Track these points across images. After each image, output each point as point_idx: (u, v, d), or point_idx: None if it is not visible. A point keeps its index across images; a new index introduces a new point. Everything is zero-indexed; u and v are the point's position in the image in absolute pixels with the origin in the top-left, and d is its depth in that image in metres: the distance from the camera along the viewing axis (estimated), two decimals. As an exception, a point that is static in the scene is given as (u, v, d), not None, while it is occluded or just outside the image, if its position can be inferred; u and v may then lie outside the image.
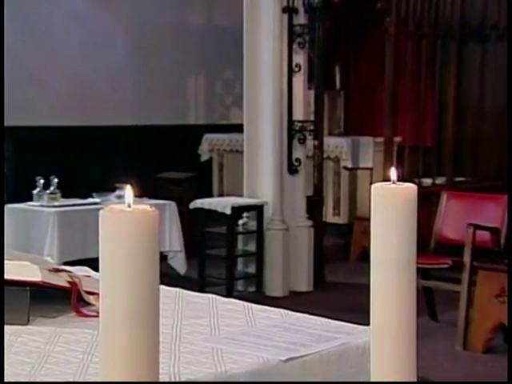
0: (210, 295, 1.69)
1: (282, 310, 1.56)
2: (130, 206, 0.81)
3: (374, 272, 0.93)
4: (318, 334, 1.39)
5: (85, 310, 1.51)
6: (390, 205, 0.92)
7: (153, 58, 7.38)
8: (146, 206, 0.81)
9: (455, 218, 4.53)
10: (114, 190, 5.10)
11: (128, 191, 0.83)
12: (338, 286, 5.59)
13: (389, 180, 0.94)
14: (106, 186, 5.21)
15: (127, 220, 0.79)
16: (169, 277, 4.24)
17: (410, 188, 0.93)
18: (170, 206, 5.34)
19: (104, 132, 6.99)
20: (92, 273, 1.79)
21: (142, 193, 4.66)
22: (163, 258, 5.22)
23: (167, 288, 1.71)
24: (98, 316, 0.83)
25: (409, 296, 0.93)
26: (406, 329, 0.93)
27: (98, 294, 1.41)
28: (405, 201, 0.93)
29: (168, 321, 1.47)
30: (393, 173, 0.94)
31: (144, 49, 7.31)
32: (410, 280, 0.93)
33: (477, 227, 4.16)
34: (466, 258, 4.13)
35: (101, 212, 0.80)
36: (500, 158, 6.28)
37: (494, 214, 4.37)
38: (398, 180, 0.94)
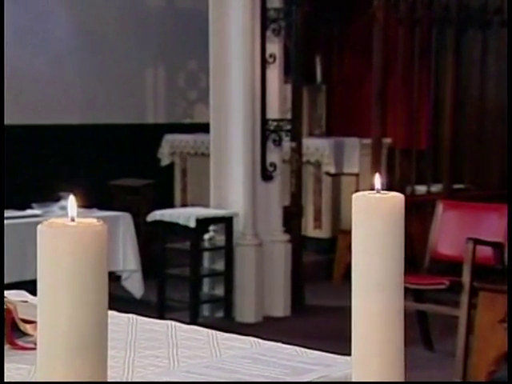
0: (168, 322, 1.69)
1: (251, 339, 1.57)
2: (73, 220, 0.81)
3: (356, 295, 0.94)
4: (292, 366, 1.40)
5: (20, 342, 1.51)
6: (374, 217, 0.93)
7: (103, 45, 7.36)
8: (93, 220, 0.81)
9: (453, 232, 4.58)
10: (58, 199, 5.07)
11: (71, 202, 0.83)
12: (319, 310, 5.61)
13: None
14: (49, 195, 5.18)
15: (69, 236, 0.79)
16: (123, 301, 4.22)
17: (397, 197, 0.94)
18: (125, 218, 5.32)
19: (46, 132, 6.95)
20: (30, 297, 1.78)
21: (92, 203, 4.64)
22: (116, 278, 5.20)
23: (119, 314, 1.71)
24: (35, 348, 0.82)
25: (396, 322, 0.94)
26: (392, 360, 0.94)
27: (35, 323, 1.40)
28: (390, 212, 0.94)
29: (119, 353, 1.47)
30: (377, 180, 0.95)
31: (92, 34, 7.28)
32: (397, 303, 0.94)
33: (477, 242, 4.21)
34: (465, 278, 4.18)
35: (39, 227, 0.80)
36: (504, 162, 6.35)
37: (497, 227, 4.43)
38: (384, 188, 0.95)
